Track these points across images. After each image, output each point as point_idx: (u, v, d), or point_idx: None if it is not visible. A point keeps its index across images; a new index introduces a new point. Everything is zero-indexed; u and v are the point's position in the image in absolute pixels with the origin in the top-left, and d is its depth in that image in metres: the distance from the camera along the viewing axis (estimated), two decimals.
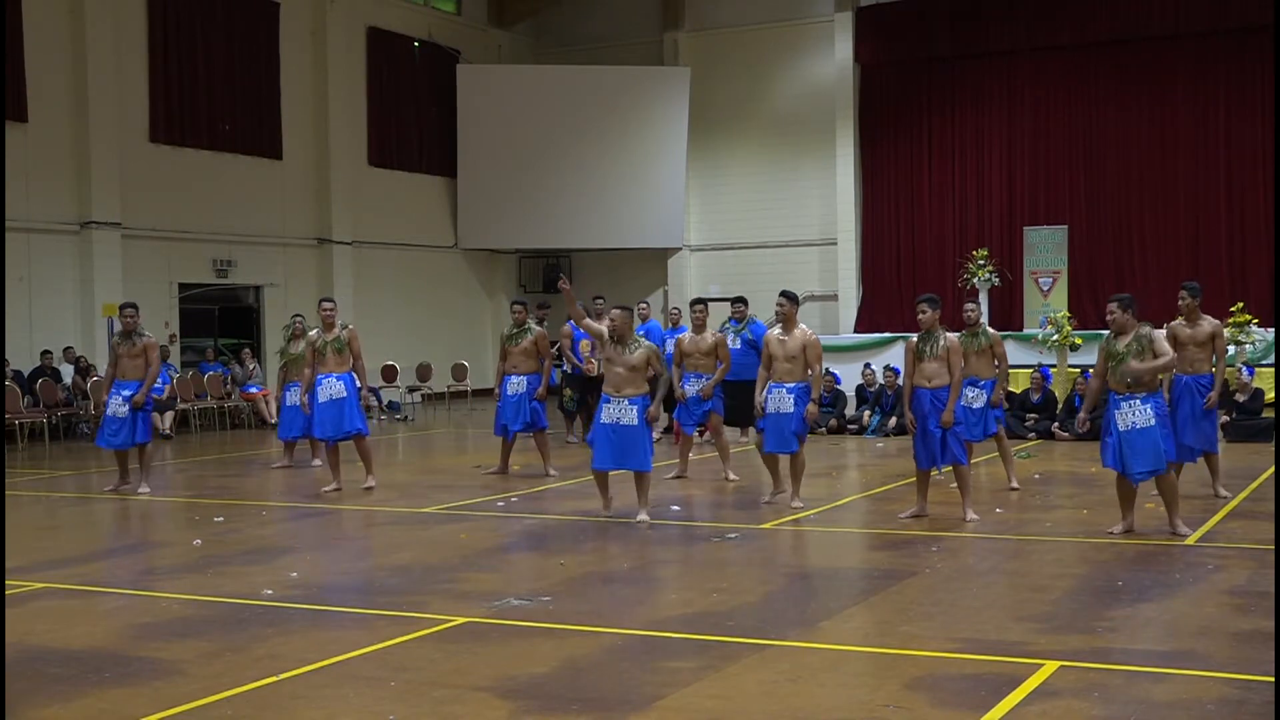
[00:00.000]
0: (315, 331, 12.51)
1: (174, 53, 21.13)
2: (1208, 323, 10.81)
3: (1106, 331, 9.24)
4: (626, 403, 9.93)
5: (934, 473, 10.09)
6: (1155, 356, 8.84)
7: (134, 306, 12.55)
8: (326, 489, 12.19)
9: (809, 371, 10.50)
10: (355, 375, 12.30)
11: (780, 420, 10.43)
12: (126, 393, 12.23)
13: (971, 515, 9.83)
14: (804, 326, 10.73)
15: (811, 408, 10.41)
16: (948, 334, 9.95)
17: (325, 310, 12.36)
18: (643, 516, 10.06)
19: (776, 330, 10.66)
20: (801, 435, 10.52)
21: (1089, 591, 7.49)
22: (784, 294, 10.72)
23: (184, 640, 6.59)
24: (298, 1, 23.22)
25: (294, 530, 10.58)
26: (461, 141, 26.24)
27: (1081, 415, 10.62)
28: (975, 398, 11.46)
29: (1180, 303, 10.80)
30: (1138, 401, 8.88)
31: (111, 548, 10.15)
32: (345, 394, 12.09)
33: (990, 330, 11.70)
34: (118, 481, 12.67)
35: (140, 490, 12.38)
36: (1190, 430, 10.58)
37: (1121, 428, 8.90)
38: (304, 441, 14.48)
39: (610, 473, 10.28)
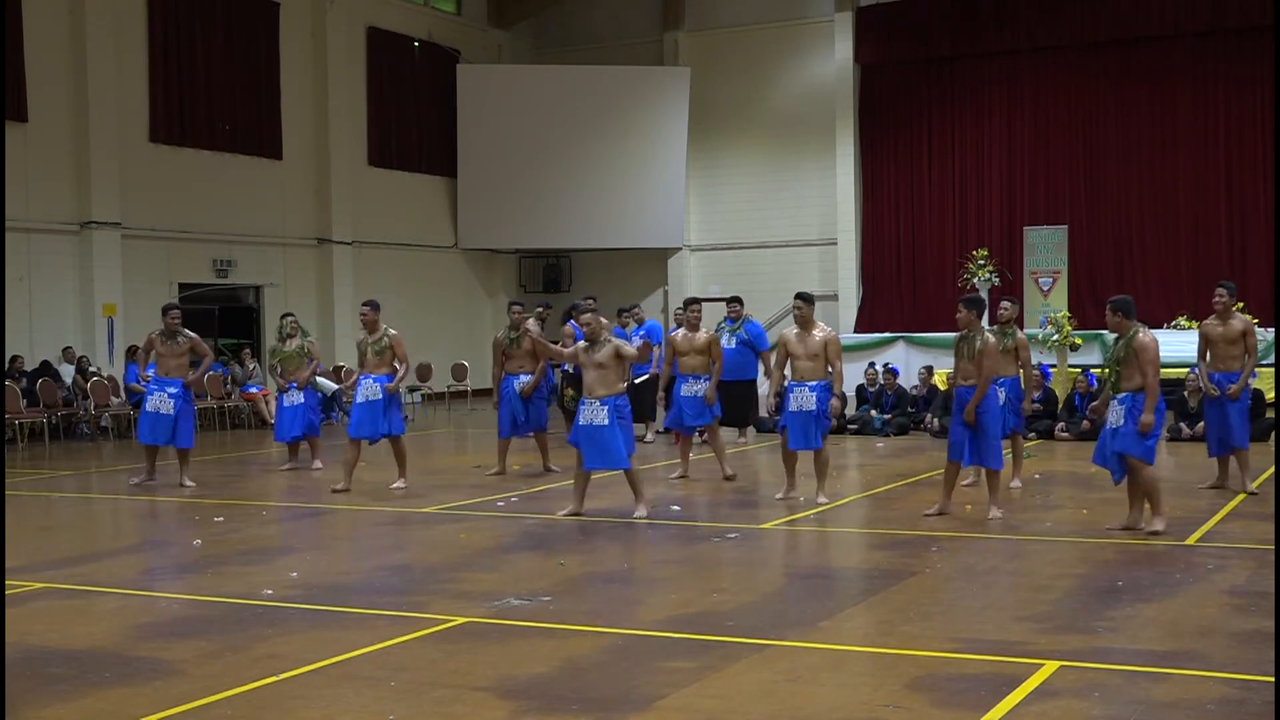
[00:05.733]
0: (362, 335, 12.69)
1: (174, 53, 21.12)
2: (1239, 320, 10.84)
3: (1107, 331, 9.29)
4: (599, 404, 10.04)
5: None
6: (1140, 369, 8.86)
7: (178, 308, 12.96)
8: (335, 488, 12.20)
9: (829, 369, 10.67)
10: (392, 377, 12.36)
11: (803, 417, 10.57)
12: (172, 389, 12.56)
13: (995, 513, 9.87)
14: (823, 325, 10.87)
15: (835, 401, 10.63)
16: (987, 335, 9.93)
17: (363, 313, 12.50)
18: (640, 512, 10.20)
19: (794, 331, 10.76)
20: (825, 431, 10.69)
21: (1089, 591, 7.48)
22: (800, 296, 10.83)
23: (184, 640, 6.59)
24: (298, 1, 23.21)
25: (294, 530, 10.58)
26: (461, 141, 26.22)
27: (1096, 404, 9.97)
28: None
29: (1217, 300, 10.81)
30: (1115, 400, 9.02)
31: (111, 548, 10.15)
32: (381, 396, 12.22)
33: (1019, 334, 11.62)
34: (144, 476, 12.75)
35: (185, 484, 12.60)
36: (1228, 426, 10.69)
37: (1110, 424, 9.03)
38: (303, 442, 14.45)
39: (593, 474, 10.49)
